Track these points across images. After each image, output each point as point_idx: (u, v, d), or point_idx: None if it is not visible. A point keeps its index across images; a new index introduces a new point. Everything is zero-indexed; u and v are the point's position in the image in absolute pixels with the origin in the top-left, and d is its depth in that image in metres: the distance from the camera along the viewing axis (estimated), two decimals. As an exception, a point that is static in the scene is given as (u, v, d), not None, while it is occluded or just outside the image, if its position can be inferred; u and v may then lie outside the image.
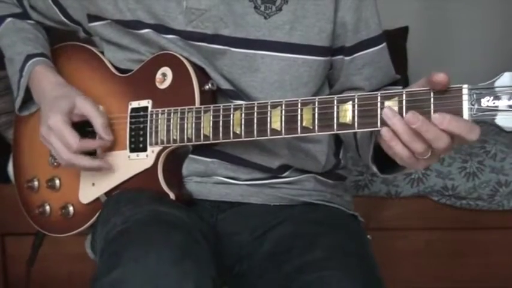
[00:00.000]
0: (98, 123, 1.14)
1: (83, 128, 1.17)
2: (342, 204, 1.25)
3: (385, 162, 1.02)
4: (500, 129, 0.83)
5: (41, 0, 1.30)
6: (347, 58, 1.18)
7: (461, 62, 2.90)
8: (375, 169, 1.06)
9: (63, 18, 1.29)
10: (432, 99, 0.87)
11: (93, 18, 1.22)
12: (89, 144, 1.15)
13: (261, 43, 1.12)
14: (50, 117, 1.14)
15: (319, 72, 1.16)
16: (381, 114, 0.90)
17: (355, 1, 1.14)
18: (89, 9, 1.22)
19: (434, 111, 0.86)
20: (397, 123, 0.87)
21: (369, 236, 1.20)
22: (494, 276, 2.22)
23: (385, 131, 0.89)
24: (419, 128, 0.86)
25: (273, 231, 1.15)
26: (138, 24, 1.16)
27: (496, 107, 0.83)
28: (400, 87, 1.17)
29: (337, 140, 1.26)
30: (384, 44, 1.20)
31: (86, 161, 1.14)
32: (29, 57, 1.25)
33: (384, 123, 0.89)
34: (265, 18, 1.13)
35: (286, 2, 1.13)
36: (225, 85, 1.14)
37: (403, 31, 2.99)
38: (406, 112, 0.87)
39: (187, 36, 1.14)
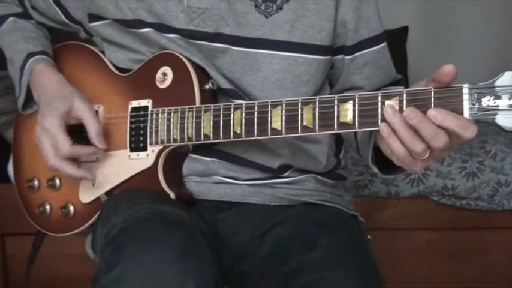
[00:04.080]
0: (92, 131, 1.13)
1: (78, 130, 1.17)
2: (342, 204, 1.25)
3: (386, 163, 1.02)
4: (500, 129, 0.83)
5: (42, 0, 1.30)
6: (348, 57, 1.18)
7: (461, 62, 2.83)
8: (375, 170, 1.06)
9: (64, 18, 1.29)
10: (433, 99, 0.87)
11: (93, 17, 1.22)
12: (80, 151, 1.14)
13: (262, 42, 1.12)
14: (47, 119, 1.14)
15: (319, 71, 1.16)
16: (381, 113, 0.90)
17: (355, 0, 1.14)
18: (89, 9, 1.22)
19: None
20: (397, 121, 0.87)
21: (368, 236, 1.20)
22: (494, 276, 2.22)
23: (383, 127, 0.89)
24: (417, 123, 0.86)
25: (273, 231, 1.15)
26: (138, 24, 1.16)
27: (497, 106, 0.83)
28: (402, 87, 1.17)
29: (338, 141, 1.26)
30: (384, 43, 1.20)
31: (70, 169, 1.14)
32: (30, 55, 1.25)
33: (383, 120, 0.89)
34: (266, 17, 1.13)
35: (287, 1, 1.12)
36: (225, 84, 1.14)
37: (403, 31, 2.98)
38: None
39: (188, 35, 1.14)
